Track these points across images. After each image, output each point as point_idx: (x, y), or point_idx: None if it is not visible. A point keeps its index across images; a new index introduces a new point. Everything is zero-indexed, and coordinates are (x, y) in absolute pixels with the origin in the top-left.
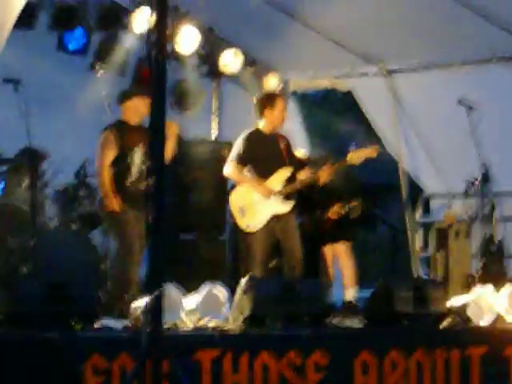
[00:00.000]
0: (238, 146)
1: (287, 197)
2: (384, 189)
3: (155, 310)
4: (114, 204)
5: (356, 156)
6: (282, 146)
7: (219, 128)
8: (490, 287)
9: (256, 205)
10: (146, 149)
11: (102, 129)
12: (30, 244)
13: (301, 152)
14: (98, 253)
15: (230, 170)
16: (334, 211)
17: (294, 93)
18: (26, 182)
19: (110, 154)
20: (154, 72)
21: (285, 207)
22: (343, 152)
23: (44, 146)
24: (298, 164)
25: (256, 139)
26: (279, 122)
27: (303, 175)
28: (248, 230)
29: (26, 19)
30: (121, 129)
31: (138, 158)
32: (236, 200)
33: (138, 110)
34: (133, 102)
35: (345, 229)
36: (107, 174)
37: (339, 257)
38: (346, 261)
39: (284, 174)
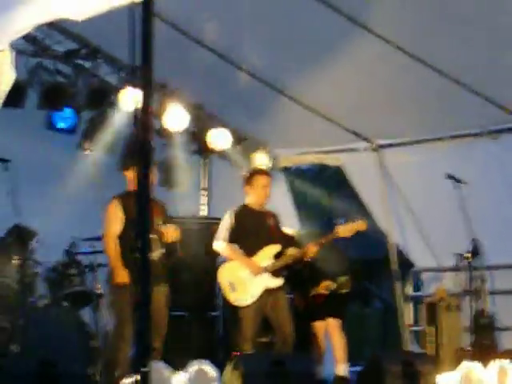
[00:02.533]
0: (225, 222)
1: (276, 273)
2: (375, 263)
3: None
4: (123, 276)
5: (344, 230)
6: (270, 222)
7: (209, 205)
8: (478, 364)
9: (246, 279)
10: (155, 220)
11: (109, 200)
12: (20, 322)
13: (290, 230)
14: (88, 330)
15: (219, 245)
16: (323, 287)
17: (284, 168)
18: (15, 260)
19: (116, 226)
20: (139, 150)
21: (275, 282)
22: (333, 227)
23: (33, 224)
24: (287, 240)
25: (243, 215)
26: (262, 199)
27: (291, 251)
28: (238, 305)
29: (14, 98)
30: (125, 199)
31: None
32: (225, 275)
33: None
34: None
35: (336, 305)
36: (114, 246)
37: (330, 333)
38: (337, 337)
39: (272, 250)
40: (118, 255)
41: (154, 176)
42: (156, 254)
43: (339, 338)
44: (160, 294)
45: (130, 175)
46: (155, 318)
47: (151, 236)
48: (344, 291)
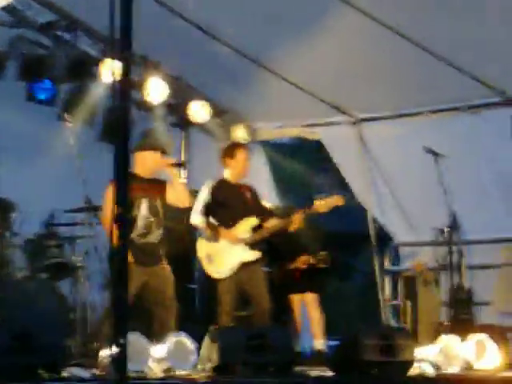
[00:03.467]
0: (202, 195)
1: (254, 246)
2: (354, 238)
3: (120, 359)
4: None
5: (323, 204)
6: (248, 195)
7: (188, 177)
8: (456, 337)
9: (223, 252)
10: (153, 202)
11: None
12: None
13: (268, 204)
14: (66, 302)
15: (196, 218)
16: (301, 262)
17: (263, 142)
18: None
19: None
20: (118, 122)
21: (252, 255)
22: (311, 201)
23: (12, 196)
24: (265, 213)
25: (220, 188)
26: (241, 172)
27: (270, 224)
28: (216, 277)
29: None
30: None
31: (143, 211)
32: (203, 247)
33: (145, 163)
34: (141, 155)
35: (313, 280)
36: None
37: (307, 307)
38: (314, 312)
39: (250, 222)
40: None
41: (158, 160)
42: (154, 236)
43: (316, 312)
44: (162, 272)
45: (141, 156)
46: (160, 295)
47: (150, 218)
48: (322, 265)
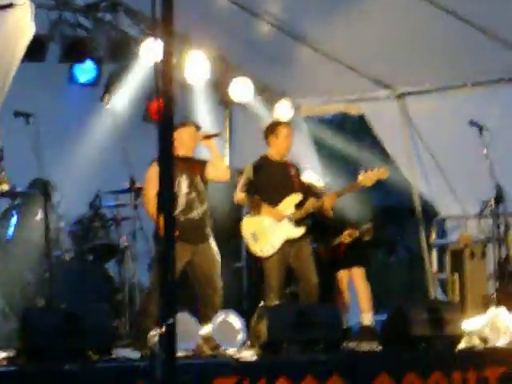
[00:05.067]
0: (246, 174)
1: (299, 222)
2: (400, 212)
3: (169, 339)
4: None
5: (366, 178)
6: (292, 173)
7: (231, 155)
8: (504, 309)
9: (268, 230)
10: (193, 178)
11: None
12: (45, 276)
13: (316, 181)
14: (114, 283)
15: (240, 196)
16: (346, 236)
17: (306, 118)
18: (39, 215)
19: (156, 186)
20: (162, 102)
21: (297, 231)
22: (355, 176)
23: (56, 178)
24: (308, 189)
25: (264, 166)
26: (284, 149)
27: (310, 202)
28: (261, 255)
29: (36, 52)
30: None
31: (184, 187)
32: (248, 226)
33: (182, 141)
34: (177, 133)
35: (359, 254)
36: (154, 207)
37: (354, 282)
38: (361, 286)
39: (294, 199)
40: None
41: (195, 136)
42: (196, 213)
43: (364, 286)
44: (207, 249)
45: (178, 135)
46: (206, 273)
47: (191, 195)
48: (367, 238)
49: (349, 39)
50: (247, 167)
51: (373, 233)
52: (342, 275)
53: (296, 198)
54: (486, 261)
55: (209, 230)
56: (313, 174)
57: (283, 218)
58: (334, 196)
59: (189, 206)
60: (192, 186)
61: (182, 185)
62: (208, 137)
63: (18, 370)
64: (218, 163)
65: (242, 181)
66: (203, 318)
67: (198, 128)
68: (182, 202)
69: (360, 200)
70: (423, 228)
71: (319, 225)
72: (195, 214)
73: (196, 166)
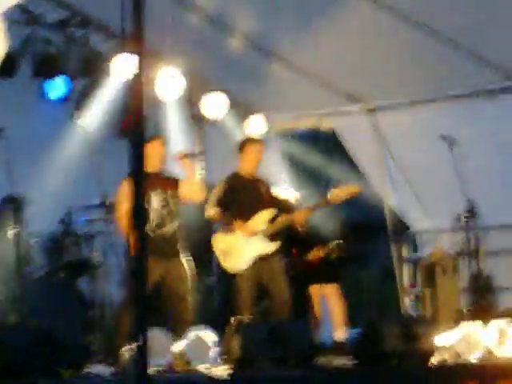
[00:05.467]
0: (218, 189)
1: (271, 237)
2: (371, 226)
3: (141, 355)
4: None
5: (337, 195)
6: (263, 189)
7: (205, 171)
8: (478, 323)
9: (240, 245)
10: (164, 194)
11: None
12: (16, 293)
13: (291, 194)
14: (85, 300)
15: (211, 212)
16: (314, 253)
17: (278, 133)
18: (11, 231)
19: (127, 203)
20: (133, 118)
21: (269, 247)
22: (326, 192)
23: (28, 194)
24: (281, 206)
25: (235, 182)
26: (255, 166)
27: (281, 219)
28: (233, 272)
29: (7, 68)
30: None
31: (156, 203)
32: (220, 242)
33: (150, 156)
34: (146, 148)
35: (332, 270)
36: (125, 222)
37: (327, 298)
38: (335, 302)
39: (266, 215)
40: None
41: (162, 150)
42: (167, 228)
43: (337, 303)
44: (178, 265)
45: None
46: (176, 289)
47: (162, 210)
48: (334, 256)
49: (320, 54)
50: (218, 183)
51: (341, 250)
52: (314, 290)
53: (268, 213)
54: (459, 275)
55: (180, 246)
56: (287, 187)
57: (255, 234)
58: (305, 212)
59: (160, 222)
60: (163, 201)
61: (154, 200)
62: (183, 156)
63: None
64: (193, 184)
65: (213, 196)
66: (175, 333)
67: (163, 141)
68: (153, 217)
69: (330, 215)
70: (395, 242)
71: (290, 240)
72: (167, 229)
73: (168, 182)
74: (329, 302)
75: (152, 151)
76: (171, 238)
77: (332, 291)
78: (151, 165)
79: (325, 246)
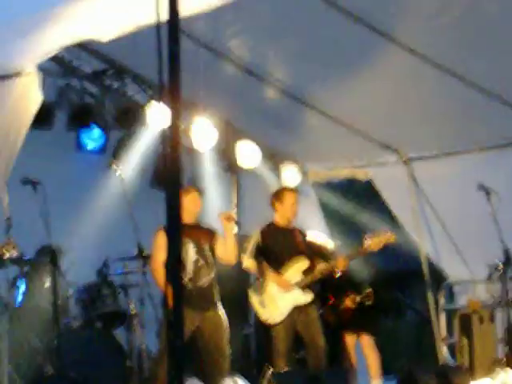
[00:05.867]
0: (253, 239)
1: (305, 288)
2: (408, 275)
3: None
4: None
5: (374, 243)
6: (299, 238)
7: (239, 221)
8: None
9: (276, 297)
10: (200, 245)
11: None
12: (53, 344)
13: (328, 243)
14: (122, 350)
15: (248, 262)
16: (349, 300)
17: (314, 183)
18: (48, 282)
19: (164, 254)
20: (169, 169)
21: (305, 298)
22: (362, 241)
23: (64, 245)
24: (315, 255)
25: (270, 232)
26: (290, 215)
27: (321, 265)
28: (269, 323)
29: (43, 119)
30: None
31: (191, 255)
32: (256, 292)
33: (185, 208)
34: (183, 199)
35: (368, 320)
36: (161, 274)
37: (363, 349)
38: (371, 354)
39: (301, 266)
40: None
41: (198, 201)
42: (204, 280)
43: (373, 354)
44: (215, 315)
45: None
46: (213, 338)
47: (199, 262)
48: (368, 303)
49: (356, 104)
50: (255, 233)
51: (373, 297)
52: (350, 340)
53: (303, 264)
54: (495, 325)
55: (217, 298)
56: (323, 234)
57: (290, 288)
58: (343, 259)
59: (197, 274)
60: (200, 253)
61: (190, 252)
62: (227, 217)
63: None
64: (230, 246)
65: (249, 246)
66: (210, 383)
67: (200, 193)
68: (189, 269)
69: (366, 264)
70: (431, 292)
71: (326, 287)
72: (203, 281)
73: (204, 233)
74: (365, 353)
75: (188, 202)
76: (207, 290)
77: (367, 342)
78: (187, 216)
79: (359, 293)
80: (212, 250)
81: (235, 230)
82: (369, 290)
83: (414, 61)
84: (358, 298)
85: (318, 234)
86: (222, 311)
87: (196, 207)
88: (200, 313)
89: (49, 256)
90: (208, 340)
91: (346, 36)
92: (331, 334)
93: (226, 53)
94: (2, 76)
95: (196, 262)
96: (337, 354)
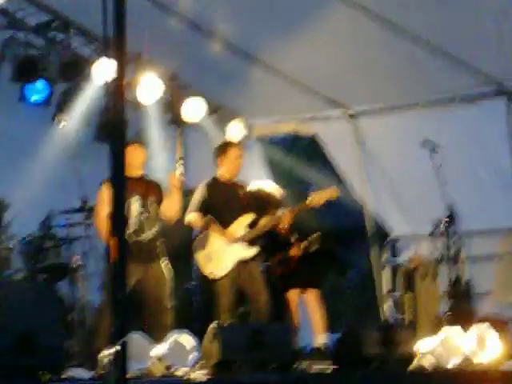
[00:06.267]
0: (198, 194)
1: (250, 242)
2: (351, 232)
3: (120, 359)
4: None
5: (316, 198)
6: (241, 193)
7: (185, 176)
8: (457, 328)
9: (220, 251)
10: (144, 200)
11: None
12: None
13: (277, 190)
14: (65, 303)
15: (191, 217)
16: (294, 249)
17: (258, 138)
18: None
19: (107, 207)
20: (113, 122)
21: (249, 252)
22: (306, 196)
23: (8, 198)
24: (260, 208)
25: (214, 187)
26: (234, 170)
27: (265, 220)
28: (213, 276)
29: None
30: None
31: (135, 209)
32: (200, 247)
33: (132, 161)
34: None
35: (312, 275)
36: (105, 227)
37: (308, 304)
38: (315, 308)
39: (245, 220)
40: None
41: (141, 154)
42: (148, 233)
43: (317, 309)
44: (156, 269)
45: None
46: (154, 292)
47: (142, 216)
48: (314, 248)
49: (301, 59)
50: (199, 187)
51: (319, 241)
52: (292, 294)
53: (247, 218)
54: (438, 281)
55: (159, 251)
56: (271, 182)
57: (235, 241)
58: (290, 213)
59: (140, 228)
60: (144, 206)
61: (134, 206)
62: (177, 181)
63: None
64: (174, 205)
65: (193, 201)
66: (154, 337)
67: (143, 146)
68: (133, 222)
69: (309, 220)
70: (374, 248)
71: (268, 243)
72: (146, 235)
73: (150, 187)
74: (310, 307)
75: (132, 156)
76: (149, 245)
77: (312, 297)
78: (131, 170)
79: (304, 240)
80: (156, 203)
81: (180, 192)
82: (316, 234)
83: (358, 15)
84: (305, 243)
85: (267, 182)
86: (165, 264)
87: (140, 160)
88: (141, 266)
89: None
90: (149, 293)
91: None
92: (275, 288)
93: (172, 6)
94: None
95: (139, 215)
96: (280, 310)
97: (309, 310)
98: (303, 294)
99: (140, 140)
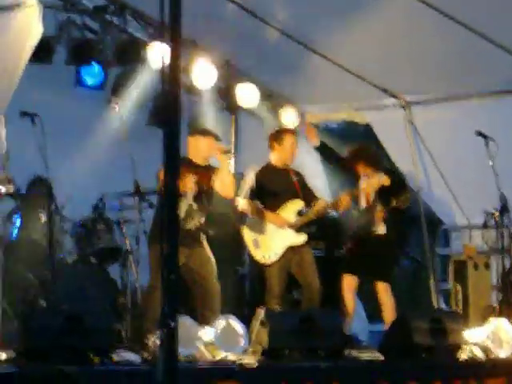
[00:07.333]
0: (249, 180)
1: (301, 229)
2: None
3: (170, 343)
4: None
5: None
6: (295, 179)
7: (237, 161)
8: (505, 320)
9: (270, 236)
10: (201, 188)
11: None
12: (47, 278)
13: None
14: (116, 286)
15: (242, 203)
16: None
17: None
18: (43, 217)
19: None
20: (168, 107)
21: (299, 239)
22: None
23: (61, 180)
24: (311, 197)
25: (267, 173)
26: (289, 157)
27: (317, 206)
28: (264, 262)
29: (42, 54)
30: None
31: (189, 196)
32: (250, 232)
33: (200, 150)
34: (194, 139)
35: (382, 268)
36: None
37: (380, 295)
38: (388, 300)
39: (296, 206)
40: None
41: (213, 147)
42: (194, 222)
43: (388, 301)
44: (201, 253)
45: (194, 141)
46: (199, 272)
47: (193, 206)
48: (404, 206)
49: (356, 47)
50: (250, 174)
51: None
52: (347, 282)
53: (298, 204)
54: (490, 272)
55: (203, 237)
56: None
57: (286, 225)
58: (348, 197)
59: (188, 216)
60: (196, 197)
61: (188, 194)
62: (224, 152)
63: (17, 372)
64: (226, 180)
65: (244, 187)
66: (202, 320)
67: (217, 139)
68: (182, 210)
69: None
70: (427, 237)
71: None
72: (193, 223)
73: (207, 176)
74: (382, 299)
75: (203, 145)
76: (195, 233)
77: (385, 289)
78: (198, 158)
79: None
80: (210, 191)
81: (231, 164)
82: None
83: (413, 5)
84: (394, 202)
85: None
86: (207, 248)
87: (210, 152)
88: (186, 249)
89: (42, 188)
90: (197, 276)
91: None
92: (328, 275)
93: None
94: (2, 7)
95: (190, 205)
96: (332, 296)
97: (381, 301)
98: (376, 283)
99: (214, 133)
